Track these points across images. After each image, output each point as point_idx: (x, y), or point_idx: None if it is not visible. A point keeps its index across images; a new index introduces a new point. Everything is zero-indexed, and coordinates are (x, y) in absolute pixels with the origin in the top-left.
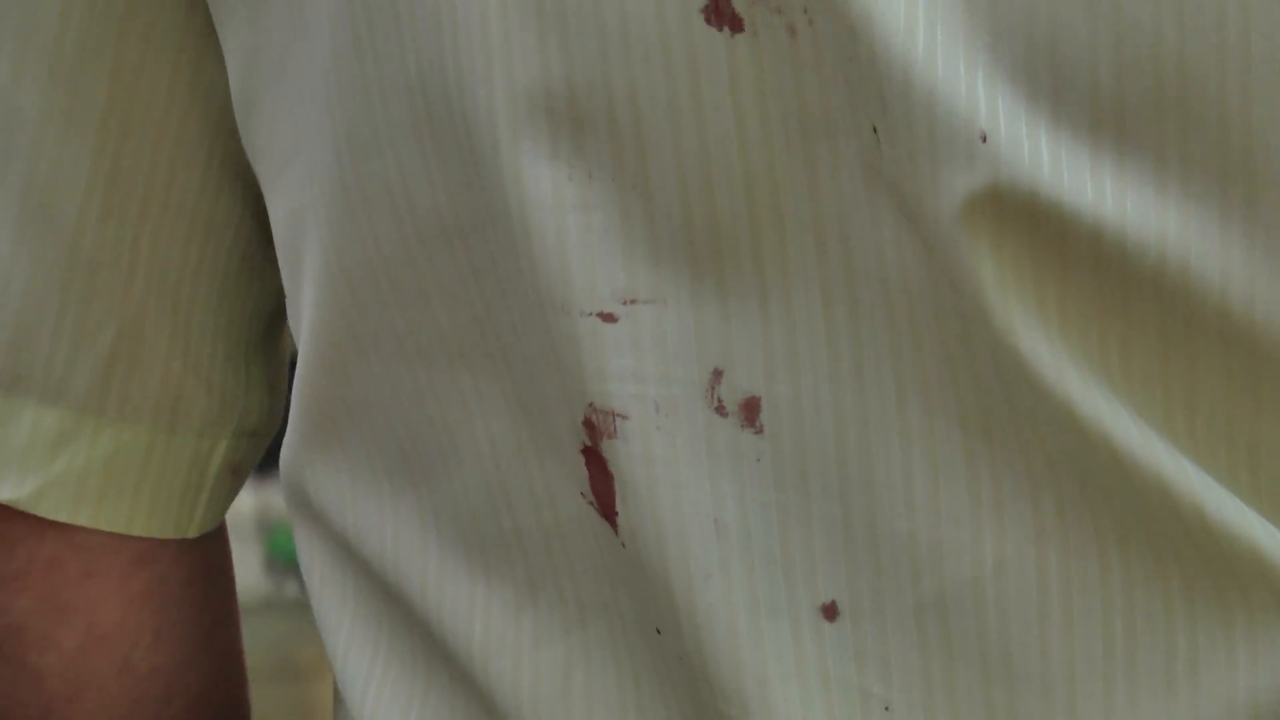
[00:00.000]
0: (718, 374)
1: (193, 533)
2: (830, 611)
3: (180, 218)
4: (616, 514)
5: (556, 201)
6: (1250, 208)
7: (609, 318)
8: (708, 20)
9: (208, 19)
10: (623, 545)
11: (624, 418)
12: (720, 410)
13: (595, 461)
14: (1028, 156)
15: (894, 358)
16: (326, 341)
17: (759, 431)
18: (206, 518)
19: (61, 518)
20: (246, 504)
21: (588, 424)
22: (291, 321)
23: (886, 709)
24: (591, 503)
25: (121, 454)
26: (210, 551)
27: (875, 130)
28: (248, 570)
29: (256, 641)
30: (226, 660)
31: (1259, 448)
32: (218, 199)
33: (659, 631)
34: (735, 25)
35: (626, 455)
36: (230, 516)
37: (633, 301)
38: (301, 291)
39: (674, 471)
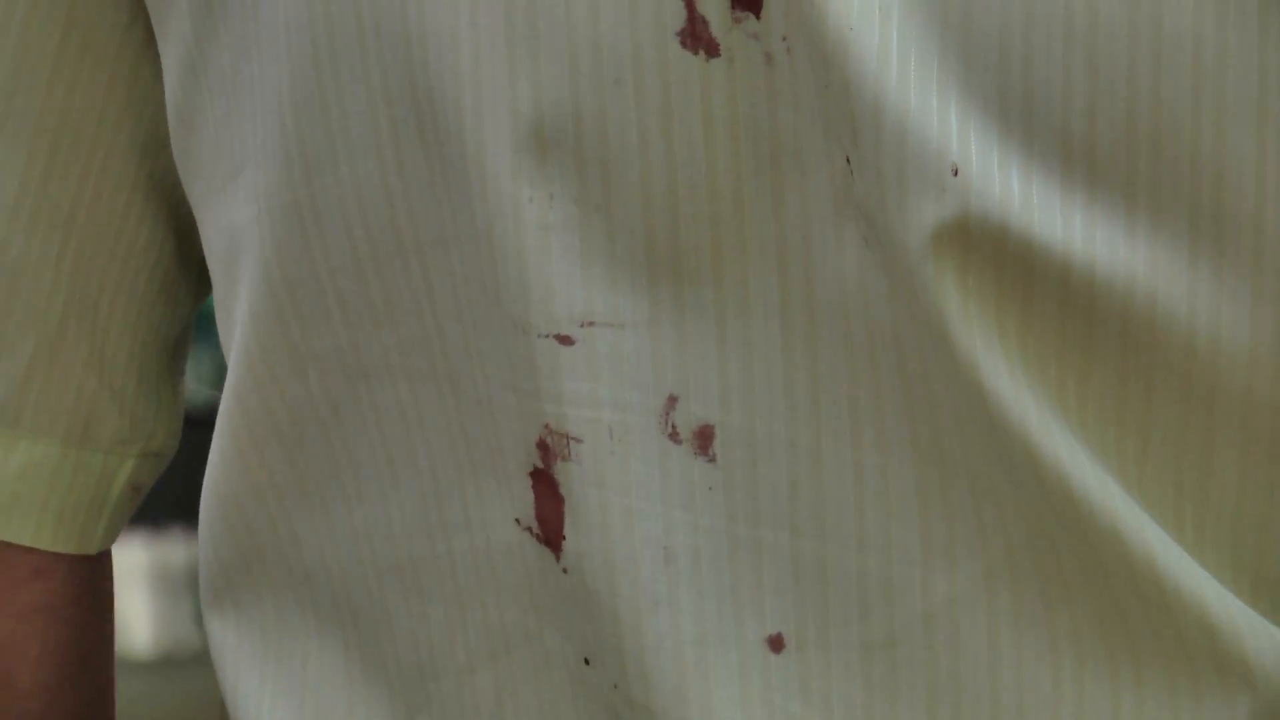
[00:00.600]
0: (673, 400)
1: (93, 549)
2: (776, 643)
3: (104, 233)
4: (563, 538)
5: (517, 223)
6: (1219, 248)
7: (566, 340)
8: (683, 44)
9: (148, 30)
10: (564, 571)
11: (578, 441)
12: (674, 437)
13: (545, 484)
14: (999, 189)
15: (851, 390)
16: (260, 357)
17: (711, 460)
18: (106, 535)
19: None
20: (178, 556)
21: (541, 446)
22: (223, 339)
23: None
24: (529, 528)
25: (33, 467)
26: (99, 574)
27: (848, 161)
28: (179, 623)
29: (187, 694)
30: (102, 686)
31: (1207, 497)
32: (142, 216)
33: (587, 662)
34: (711, 50)
35: (579, 479)
36: (161, 569)
37: (590, 324)
38: (236, 305)
39: (626, 497)
